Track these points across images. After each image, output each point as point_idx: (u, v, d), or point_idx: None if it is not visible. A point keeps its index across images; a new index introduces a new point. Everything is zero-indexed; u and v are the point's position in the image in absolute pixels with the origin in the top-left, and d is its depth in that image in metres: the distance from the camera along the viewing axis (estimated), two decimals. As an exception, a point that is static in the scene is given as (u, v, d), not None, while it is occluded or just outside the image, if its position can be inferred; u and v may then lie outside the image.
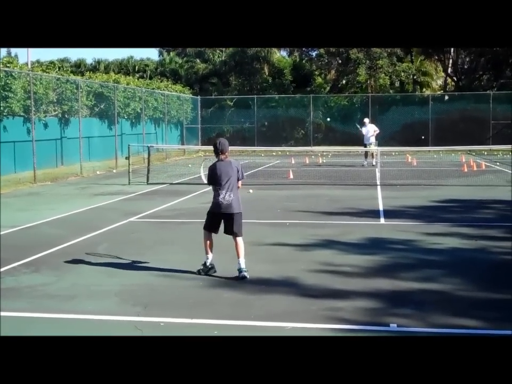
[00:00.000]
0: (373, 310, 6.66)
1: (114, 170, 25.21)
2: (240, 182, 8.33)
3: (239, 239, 8.16)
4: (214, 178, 8.17)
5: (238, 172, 8.22)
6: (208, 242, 8.24)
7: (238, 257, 8.08)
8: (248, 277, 7.92)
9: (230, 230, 8.18)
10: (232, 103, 41.69)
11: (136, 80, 37.07)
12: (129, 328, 6.13)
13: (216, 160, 8.26)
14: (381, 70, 41.02)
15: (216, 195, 8.14)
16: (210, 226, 8.24)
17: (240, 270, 7.99)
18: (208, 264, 8.19)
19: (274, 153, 35.24)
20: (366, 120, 27.07)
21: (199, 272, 8.17)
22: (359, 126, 27.42)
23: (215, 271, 8.18)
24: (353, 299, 7.06)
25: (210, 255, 8.22)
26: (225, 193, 8.07)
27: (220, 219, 8.20)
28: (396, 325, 6.13)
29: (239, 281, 7.85)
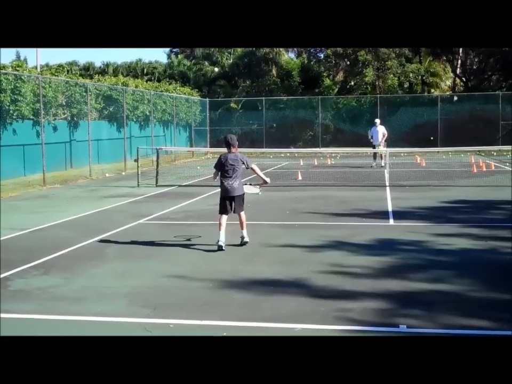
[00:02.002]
0: (383, 311, 6.64)
1: (123, 173, 25.28)
2: (253, 166, 10.15)
3: (243, 215, 10.06)
4: (221, 166, 9.93)
5: (243, 163, 9.96)
6: (221, 223, 9.81)
7: (242, 229, 10.01)
8: (248, 241, 9.92)
9: (236, 210, 9.98)
10: (240, 105, 41.71)
11: (145, 82, 37.18)
12: (138, 330, 6.13)
13: (227, 152, 9.93)
14: (390, 70, 40.95)
15: (224, 181, 9.90)
16: (223, 209, 9.96)
17: (242, 237, 9.98)
18: (219, 239, 9.67)
19: (282, 155, 35.25)
20: (377, 121, 27.01)
21: (219, 248, 9.65)
22: (371, 138, 26.86)
23: (221, 246, 9.65)
24: (363, 300, 7.04)
25: (222, 232, 9.73)
26: (232, 180, 9.85)
27: (229, 201, 9.91)
28: (405, 326, 6.11)
29: (246, 282, 7.85)
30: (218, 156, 10.25)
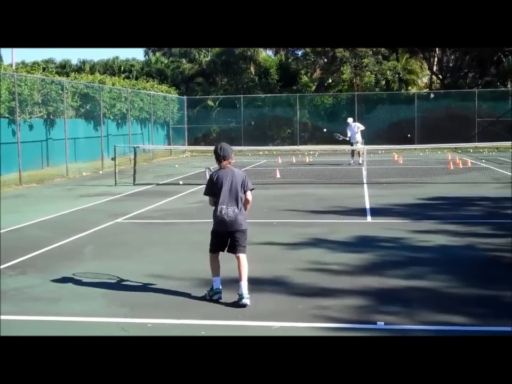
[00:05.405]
0: (361, 308, 6.66)
1: (100, 171, 25.11)
2: (248, 193, 7.05)
3: (243, 258, 7.00)
4: (213, 189, 7.03)
5: (243, 183, 6.99)
6: (214, 264, 7.17)
7: (241, 279, 6.90)
8: (248, 304, 6.76)
9: (233, 249, 7.04)
10: (218, 103, 41.63)
11: (122, 80, 36.88)
12: (116, 330, 6.08)
13: (218, 168, 7.12)
14: (367, 68, 41.13)
15: (217, 210, 6.95)
16: (216, 247, 7.15)
17: (241, 296, 6.83)
18: (214, 288, 7.08)
19: (261, 153, 35.24)
20: (350, 119, 27.12)
21: (205, 296, 7.13)
22: (338, 137, 27.05)
23: (220, 298, 7.03)
24: (341, 297, 7.06)
25: (217, 278, 7.12)
26: (228, 208, 6.90)
27: (225, 237, 7.05)
28: (383, 323, 6.12)
29: (224, 281, 7.80)
30: (209, 175, 7.25)
